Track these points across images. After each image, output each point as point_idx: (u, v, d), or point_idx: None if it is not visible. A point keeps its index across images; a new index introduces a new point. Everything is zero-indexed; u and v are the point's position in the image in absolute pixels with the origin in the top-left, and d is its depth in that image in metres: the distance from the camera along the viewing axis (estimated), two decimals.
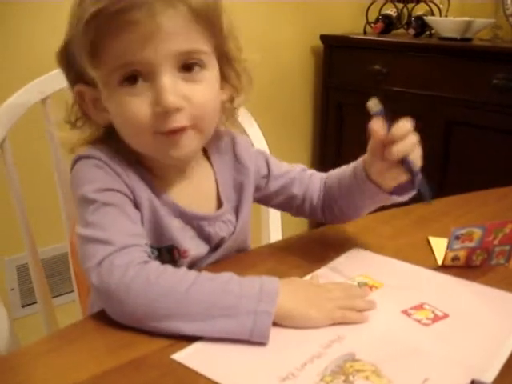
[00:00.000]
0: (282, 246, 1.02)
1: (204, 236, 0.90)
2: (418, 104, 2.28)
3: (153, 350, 0.67)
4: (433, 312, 0.75)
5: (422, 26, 2.47)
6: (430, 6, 2.55)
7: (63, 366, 0.65)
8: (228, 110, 0.90)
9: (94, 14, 0.73)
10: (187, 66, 0.78)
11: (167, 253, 0.86)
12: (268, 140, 1.24)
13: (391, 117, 0.82)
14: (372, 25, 2.64)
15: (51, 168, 1.13)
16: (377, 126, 0.81)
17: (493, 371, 0.63)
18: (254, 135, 1.22)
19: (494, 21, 2.33)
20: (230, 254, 0.94)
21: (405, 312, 0.75)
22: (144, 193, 0.83)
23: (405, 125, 0.81)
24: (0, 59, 1.76)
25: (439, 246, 0.94)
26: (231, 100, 0.89)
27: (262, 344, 0.68)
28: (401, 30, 2.64)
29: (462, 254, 0.87)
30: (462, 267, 0.88)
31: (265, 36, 2.43)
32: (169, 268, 0.73)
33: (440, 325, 0.73)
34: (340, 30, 2.65)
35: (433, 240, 0.98)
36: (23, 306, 1.96)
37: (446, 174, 2.23)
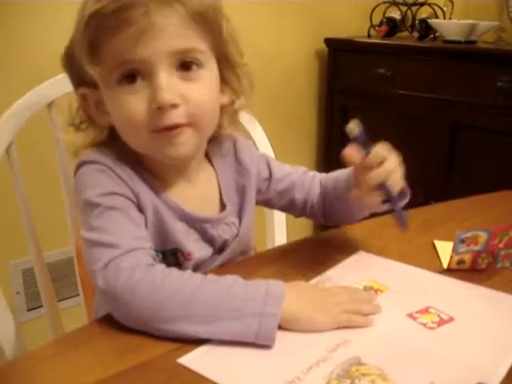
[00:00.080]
0: (288, 250, 1.02)
1: (207, 239, 0.90)
2: (422, 107, 2.28)
3: (159, 353, 0.67)
4: (438, 315, 0.75)
5: (426, 28, 2.46)
6: (434, 9, 2.55)
7: (69, 370, 0.66)
8: (230, 114, 0.90)
9: (92, 13, 0.75)
10: (185, 65, 0.79)
11: (172, 256, 0.86)
12: (273, 143, 1.24)
13: (372, 138, 0.82)
14: (376, 28, 2.64)
15: (57, 172, 1.13)
16: (350, 152, 0.81)
17: (498, 374, 0.63)
18: (258, 138, 1.23)
19: (499, 23, 2.32)
20: (235, 256, 0.95)
21: (410, 315, 0.75)
22: (148, 196, 0.83)
23: (382, 150, 0.81)
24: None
25: (444, 249, 0.94)
26: (232, 103, 0.89)
27: (267, 347, 0.68)
28: (405, 33, 2.64)
29: (467, 257, 0.87)
30: (468, 271, 0.88)
31: (269, 40, 2.44)
32: (174, 271, 0.74)
33: (445, 328, 0.73)
34: (344, 33, 2.65)
35: (438, 243, 0.98)
36: (29, 310, 1.97)
37: (451, 176, 2.23)
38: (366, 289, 0.82)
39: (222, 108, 0.88)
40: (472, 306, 0.79)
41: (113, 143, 0.85)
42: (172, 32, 0.76)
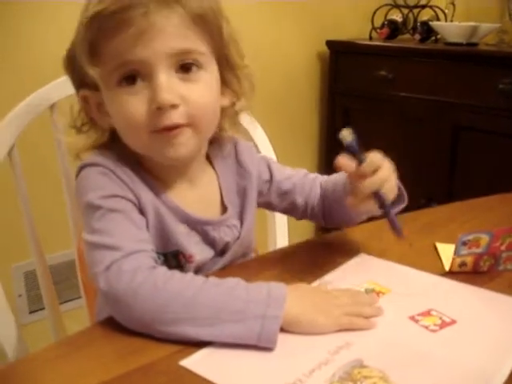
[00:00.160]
0: (289, 252, 1.02)
1: (209, 241, 0.90)
2: (424, 109, 2.28)
3: (161, 356, 0.67)
4: (440, 318, 0.75)
5: (427, 31, 2.46)
6: (435, 11, 2.56)
7: (71, 373, 0.66)
8: (230, 116, 0.91)
9: (93, 15, 0.76)
10: (185, 67, 0.79)
11: (173, 258, 0.86)
12: (275, 145, 1.24)
13: (364, 146, 0.81)
14: (378, 30, 2.64)
15: (59, 175, 1.13)
16: (343, 161, 0.81)
17: (501, 377, 0.63)
18: (259, 140, 1.23)
19: (500, 25, 2.32)
20: (236, 258, 0.95)
21: (412, 318, 0.75)
22: (149, 198, 0.83)
23: (376, 159, 0.81)
24: None
25: (446, 251, 0.94)
26: (233, 105, 0.90)
27: (269, 350, 0.68)
28: (406, 36, 2.64)
29: (469, 259, 0.87)
30: (470, 273, 0.88)
31: (271, 42, 2.44)
32: (176, 273, 0.74)
33: (448, 331, 0.73)
34: (346, 35, 2.65)
35: (440, 246, 0.98)
36: (31, 312, 1.97)
37: (452, 178, 2.23)
38: (367, 291, 0.82)
39: (223, 110, 0.88)
40: (474, 308, 0.79)
41: (114, 145, 0.85)
42: (171, 33, 0.76)
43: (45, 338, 0.96)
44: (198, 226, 0.88)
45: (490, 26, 2.28)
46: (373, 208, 0.84)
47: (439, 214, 1.18)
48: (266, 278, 0.75)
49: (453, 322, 0.75)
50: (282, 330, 0.69)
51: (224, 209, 0.93)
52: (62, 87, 1.05)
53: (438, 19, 2.54)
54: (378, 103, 2.46)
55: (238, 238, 0.93)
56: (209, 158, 0.94)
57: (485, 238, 0.85)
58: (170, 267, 0.75)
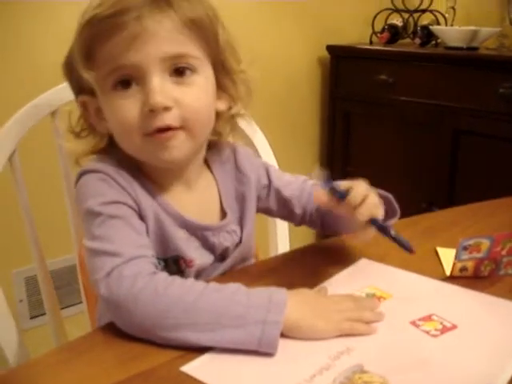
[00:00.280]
0: (290, 258, 1.02)
1: (208, 246, 0.90)
2: (424, 113, 2.28)
3: (162, 361, 0.67)
4: (441, 323, 0.75)
5: (427, 35, 2.47)
6: (435, 16, 2.56)
7: (72, 378, 0.66)
8: (227, 120, 0.91)
9: (87, 20, 0.77)
10: (179, 71, 0.80)
11: (173, 264, 0.86)
12: (276, 150, 1.25)
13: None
14: (378, 35, 2.64)
15: (60, 180, 1.13)
16: (321, 198, 0.81)
17: (502, 382, 0.63)
18: (260, 145, 1.23)
19: (500, 30, 2.33)
20: (236, 264, 0.95)
21: (413, 323, 0.75)
22: (149, 204, 0.84)
23: (360, 189, 0.81)
24: None
25: (447, 256, 0.94)
26: (230, 110, 0.90)
27: (270, 355, 0.68)
28: (407, 40, 2.65)
29: (470, 264, 0.87)
30: (470, 278, 0.88)
31: (272, 47, 2.44)
32: (177, 279, 0.74)
33: (448, 336, 0.73)
34: (346, 40, 2.66)
35: (441, 250, 0.98)
36: (32, 318, 1.97)
37: (453, 183, 2.23)
38: (368, 296, 0.82)
39: (220, 114, 0.88)
40: (475, 313, 0.79)
41: (113, 150, 0.86)
42: (164, 37, 0.77)
43: (46, 344, 0.97)
44: (197, 232, 0.89)
45: (491, 30, 2.28)
46: (371, 234, 0.85)
47: (440, 219, 1.18)
48: (266, 284, 0.75)
49: (454, 326, 0.75)
50: (283, 335, 0.69)
51: (223, 214, 0.93)
52: (63, 93, 1.05)
53: (438, 23, 2.55)
54: (378, 107, 2.46)
55: (239, 243, 0.94)
56: (207, 163, 0.95)
57: (485, 243, 0.85)
58: (171, 273, 0.75)
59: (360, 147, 2.58)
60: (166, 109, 0.78)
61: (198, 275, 0.89)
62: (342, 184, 0.82)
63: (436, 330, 0.74)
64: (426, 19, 2.60)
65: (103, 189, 0.81)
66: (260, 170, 0.99)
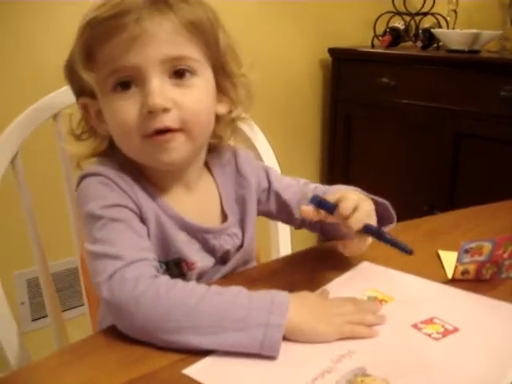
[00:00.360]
0: (291, 261, 1.02)
1: (209, 249, 0.90)
2: (426, 116, 2.28)
3: (163, 364, 0.67)
4: (443, 326, 0.75)
5: (429, 38, 2.47)
6: (437, 19, 2.56)
7: (74, 381, 0.66)
8: (227, 123, 0.91)
9: (88, 21, 0.77)
10: (178, 73, 0.80)
11: (175, 266, 0.86)
12: (277, 152, 1.25)
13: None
14: (380, 38, 2.65)
15: (62, 183, 1.13)
16: (307, 210, 0.80)
17: None
18: (261, 148, 1.23)
19: (502, 32, 2.33)
20: (238, 267, 0.95)
21: (415, 326, 0.75)
22: (150, 207, 0.84)
23: (350, 200, 0.80)
24: None
25: (449, 259, 0.94)
26: (230, 113, 0.90)
27: (272, 358, 0.68)
28: (408, 43, 2.65)
29: (471, 267, 0.87)
30: (472, 281, 0.88)
31: (273, 50, 2.45)
32: (178, 282, 0.74)
33: (450, 339, 0.73)
34: (348, 43, 2.66)
35: (442, 254, 0.98)
36: (33, 320, 1.97)
37: (455, 186, 2.23)
38: (370, 299, 0.82)
39: (220, 118, 0.89)
40: (477, 316, 0.79)
41: (114, 153, 0.86)
42: (164, 39, 0.78)
43: (47, 346, 0.97)
44: (198, 234, 0.89)
45: (492, 33, 2.28)
46: (368, 242, 0.85)
47: (442, 222, 1.18)
48: (267, 287, 0.75)
49: (455, 329, 0.74)
50: (285, 338, 0.69)
51: (224, 217, 0.93)
52: (65, 96, 1.05)
53: (439, 26, 2.55)
54: (379, 110, 2.46)
55: (241, 246, 0.94)
56: (208, 166, 0.95)
57: (487, 246, 0.85)
58: (172, 276, 0.76)
59: (361, 150, 2.58)
60: (165, 110, 0.78)
61: (200, 278, 0.89)
62: (331, 197, 0.81)
63: (438, 333, 0.74)
64: (427, 22, 2.60)
65: (104, 192, 0.81)
66: (260, 173, 0.99)
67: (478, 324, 0.77)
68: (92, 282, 0.76)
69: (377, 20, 2.67)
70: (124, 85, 0.79)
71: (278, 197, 0.99)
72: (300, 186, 1.00)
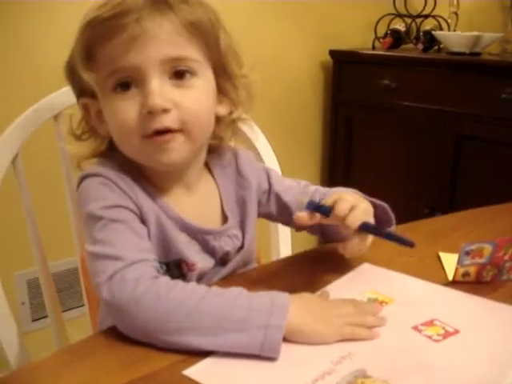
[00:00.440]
0: (292, 262, 1.02)
1: (209, 250, 0.90)
2: (427, 119, 2.28)
3: (163, 365, 0.67)
4: (443, 328, 0.75)
5: (430, 40, 2.47)
6: (438, 21, 2.56)
7: (74, 382, 0.66)
8: (228, 124, 0.91)
9: (89, 21, 0.78)
10: (179, 74, 0.80)
11: (175, 267, 0.86)
12: (278, 154, 1.25)
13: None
14: (381, 40, 2.65)
15: (62, 183, 1.13)
16: (302, 216, 0.81)
17: None
18: (262, 150, 1.23)
19: (503, 35, 2.33)
20: (238, 268, 0.95)
21: (415, 328, 0.75)
22: (150, 208, 0.84)
23: (345, 202, 0.80)
24: None
25: (450, 261, 0.94)
26: (230, 114, 0.90)
27: (272, 359, 0.68)
28: (409, 45, 2.65)
29: (472, 269, 0.87)
30: (473, 283, 0.88)
31: (274, 52, 2.45)
32: (179, 283, 0.74)
33: (451, 341, 0.73)
34: (349, 45, 2.66)
35: (443, 255, 0.98)
36: (34, 321, 1.97)
37: (455, 188, 2.23)
38: (370, 301, 0.82)
39: (221, 119, 0.89)
40: (477, 318, 0.79)
41: (114, 154, 0.86)
42: (164, 39, 0.78)
43: (47, 347, 0.96)
44: (198, 236, 0.89)
45: (493, 35, 2.28)
46: (368, 242, 0.85)
47: (441, 224, 1.18)
48: (267, 288, 0.75)
49: (456, 331, 0.74)
50: (285, 339, 0.69)
51: (224, 218, 0.93)
52: (65, 96, 1.05)
53: (440, 29, 2.55)
54: (380, 112, 2.46)
55: (241, 248, 0.94)
56: (208, 167, 0.95)
57: (488, 248, 0.85)
58: (173, 277, 0.75)
59: (362, 152, 2.58)
60: (165, 111, 0.78)
61: (200, 279, 0.89)
62: (327, 200, 0.81)
63: (438, 335, 0.74)
64: (428, 24, 2.60)
65: (104, 193, 0.81)
66: (261, 174, 0.99)
67: (478, 326, 0.76)
68: (92, 282, 0.76)
69: (378, 22, 2.67)
70: (124, 85, 0.79)
71: (279, 199, 0.98)
72: (300, 188, 1.00)
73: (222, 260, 0.92)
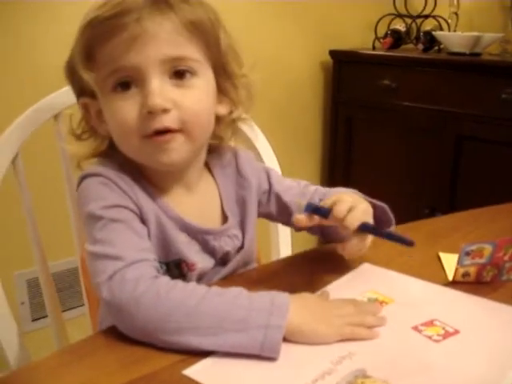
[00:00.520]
0: (292, 262, 1.02)
1: (209, 250, 0.90)
2: (427, 119, 2.28)
3: (163, 365, 0.67)
4: (443, 328, 0.75)
5: (430, 40, 2.47)
6: (438, 21, 2.56)
7: (74, 382, 0.66)
8: (228, 124, 0.91)
9: (89, 20, 0.78)
10: (179, 73, 0.80)
11: (175, 267, 0.86)
12: (278, 154, 1.25)
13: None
14: (381, 40, 2.65)
15: (62, 183, 1.13)
16: (301, 218, 0.80)
17: None
18: (262, 150, 1.23)
19: (503, 35, 2.33)
20: (238, 268, 0.95)
21: (415, 328, 0.75)
22: (150, 208, 0.84)
23: (344, 202, 0.80)
24: None
25: (450, 261, 0.94)
26: (230, 114, 0.90)
27: (272, 359, 0.68)
28: (410, 45, 2.65)
29: (472, 270, 0.87)
30: (473, 283, 0.88)
31: (274, 52, 2.45)
32: (179, 283, 0.74)
33: (451, 341, 0.72)
34: (349, 45, 2.66)
35: (443, 256, 0.98)
36: (33, 320, 1.97)
37: (455, 189, 2.23)
38: (370, 301, 0.82)
39: (221, 118, 0.89)
40: (477, 318, 0.79)
41: (114, 153, 0.86)
42: (164, 39, 0.78)
43: (47, 346, 0.96)
44: (198, 236, 0.89)
45: (493, 35, 2.28)
46: (368, 242, 0.85)
47: (441, 224, 1.18)
48: (268, 288, 0.75)
49: (456, 332, 0.74)
50: (285, 339, 0.69)
51: (224, 218, 0.93)
52: (66, 96, 1.05)
53: (441, 29, 2.55)
54: (380, 113, 2.46)
55: (241, 248, 0.93)
56: (208, 167, 0.95)
57: (488, 248, 0.85)
58: (173, 277, 0.75)
59: (362, 152, 2.58)
60: (165, 111, 0.78)
61: (200, 279, 0.89)
62: (326, 202, 0.81)
63: (438, 335, 0.74)
64: (428, 25, 2.60)
65: (104, 193, 0.81)
66: (261, 174, 0.99)
67: (478, 326, 0.76)
68: (92, 282, 0.76)
69: (378, 22, 2.67)
70: (124, 85, 0.79)
71: (279, 199, 0.98)
72: (301, 188, 1.00)
73: (222, 260, 0.92)
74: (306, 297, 0.78)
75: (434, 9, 2.58)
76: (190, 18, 0.79)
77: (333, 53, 2.59)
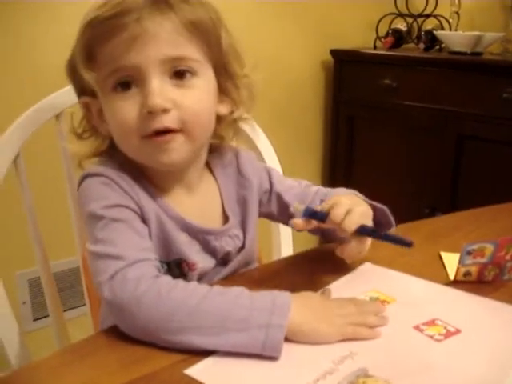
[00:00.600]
0: (293, 262, 1.02)
1: (210, 250, 0.90)
2: (428, 118, 2.28)
3: (165, 365, 0.67)
4: (445, 328, 0.75)
5: (432, 40, 2.47)
6: (439, 21, 2.56)
7: (75, 381, 0.66)
8: (229, 124, 0.91)
9: (89, 20, 0.78)
10: (179, 73, 0.80)
11: (176, 267, 0.86)
12: (279, 154, 1.25)
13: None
14: (382, 39, 2.64)
15: (64, 182, 1.13)
16: (299, 222, 0.81)
17: None
18: (264, 149, 1.23)
19: (504, 35, 2.33)
20: (239, 268, 0.95)
21: (417, 328, 0.75)
22: (151, 207, 0.84)
23: (342, 206, 0.79)
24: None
25: (451, 261, 0.94)
26: (232, 114, 0.90)
27: (274, 359, 0.67)
28: (411, 45, 2.65)
29: (473, 269, 0.87)
30: (474, 282, 0.88)
31: (276, 51, 2.45)
32: (180, 282, 0.74)
33: (452, 340, 0.72)
34: (350, 44, 2.66)
35: (445, 255, 0.97)
36: (35, 320, 1.97)
37: (456, 188, 2.23)
38: (372, 300, 0.82)
39: (222, 118, 0.88)
40: (479, 318, 0.79)
41: (115, 153, 0.86)
42: (164, 39, 0.78)
43: (49, 346, 0.97)
44: (199, 235, 0.89)
45: (495, 35, 2.28)
46: (367, 244, 0.85)
47: (442, 224, 1.18)
48: (269, 288, 0.75)
49: (457, 331, 0.74)
50: (286, 339, 0.69)
51: (225, 218, 0.93)
52: (67, 96, 1.05)
53: (442, 28, 2.55)
54: (382, 112, 2.46)
55: (242, 248, 0.93)
56: (209, 167, 0.95)
57: (489, 248, 0.85)
58: (174, 276, 0.75)
59: (363, 152, 2.58)
60: (165, 111, 0.78)
61: (201, 279, 0.89)
62: (324, 205, 0.81)
63: (440, 334, 0.73)
64: (430, 24, 2.60)
65: (106, 192, 0.81)
66: (262, 174, 0.99)
67: (479, 326, 0.76)
68: (93, 282, 0.76)
69: (379, 21, 2.67)
70: (124, 85, 0.79)
71: (280, 198, 0.98)
72: (302, 188, 1.00)
73: (223, 260, 0.92)
74: (307, 296, 0.78)
75: (435, 8, 2.58)
76: (190, 18, 0.79)
77: (334, 52, 2.59)
